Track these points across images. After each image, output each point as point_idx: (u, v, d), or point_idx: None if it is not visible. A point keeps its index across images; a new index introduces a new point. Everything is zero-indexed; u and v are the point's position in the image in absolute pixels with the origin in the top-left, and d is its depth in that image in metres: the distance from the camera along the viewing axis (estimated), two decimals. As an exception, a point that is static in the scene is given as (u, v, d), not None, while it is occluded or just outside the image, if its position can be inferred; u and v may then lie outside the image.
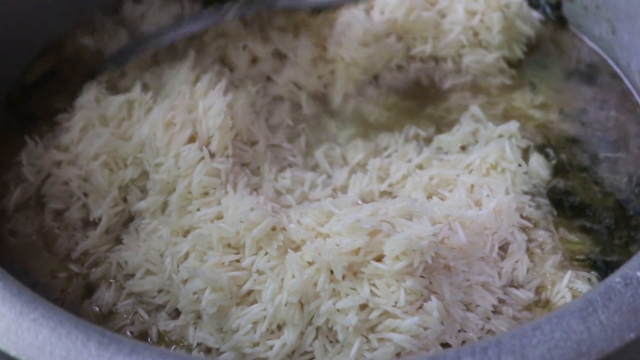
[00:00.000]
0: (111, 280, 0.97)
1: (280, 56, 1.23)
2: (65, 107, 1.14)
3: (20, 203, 1.05)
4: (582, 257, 0.99)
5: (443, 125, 1.16)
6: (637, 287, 0.75)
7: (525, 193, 1.03)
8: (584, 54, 1.28)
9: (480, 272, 0.92)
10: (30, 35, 1.23)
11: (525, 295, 0.93)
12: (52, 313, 0.74)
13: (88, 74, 1.20)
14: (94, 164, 1.03)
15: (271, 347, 0.85)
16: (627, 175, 1.09)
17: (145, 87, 1.12)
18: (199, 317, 0.90)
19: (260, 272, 0.88)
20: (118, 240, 1.01)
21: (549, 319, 0.72)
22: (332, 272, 0.85)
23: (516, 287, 0.94)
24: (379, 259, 0.86)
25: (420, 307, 0.85)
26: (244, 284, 0.88)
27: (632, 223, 1.03)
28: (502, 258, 0.96)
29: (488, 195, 1.00)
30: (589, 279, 0.96)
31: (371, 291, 0.85)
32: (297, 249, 0.88)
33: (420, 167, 1.08)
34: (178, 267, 0.92)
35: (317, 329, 0.86)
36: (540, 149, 1.10)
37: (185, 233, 0.96)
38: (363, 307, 0.85)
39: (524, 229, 1.00)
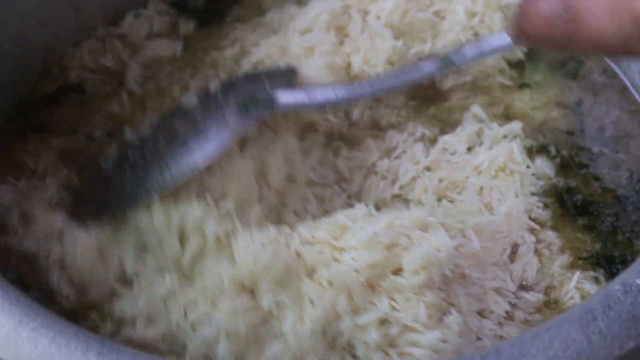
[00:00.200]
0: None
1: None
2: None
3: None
4: (586, 255, 0.99)
5: (446, 125, 1.15)
6: (637, 294, 0.74)
7: (533, 194, 1.03)
8: (584, 54, 1.27)
9: (493, 277, 0.92)
10: (33, 53, 1.23)
11: (535, 297, 0.93)
12: (51, 322, 0.73)
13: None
14: None
15: None
16: (627, 172, 1.09)
17: None
18: None
19: (276, 304, 0.85)
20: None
21: (548, 328, 0.72)
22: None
23: (525, 290, 0.94)
24: (396, 272, 0.85)
25: (440, 320, 0.84)
26: (261, 324, 0.84)
27: (633, 218, 1.03)
28: (512, 260, 0.96)
29: (500, 199, 1.00)
30: (596, 278, 0.96)
31: (390, 305, 0.84)
32: (311, 271, 0.87)
33: (428, 168, 1.07)
34: (186, 314, 0.86)
35: (336, 345, 0.84)
36: (543, 148, 1.10)
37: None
38: (382, 321, 0.84)
39: (532, 230, 1.00)
